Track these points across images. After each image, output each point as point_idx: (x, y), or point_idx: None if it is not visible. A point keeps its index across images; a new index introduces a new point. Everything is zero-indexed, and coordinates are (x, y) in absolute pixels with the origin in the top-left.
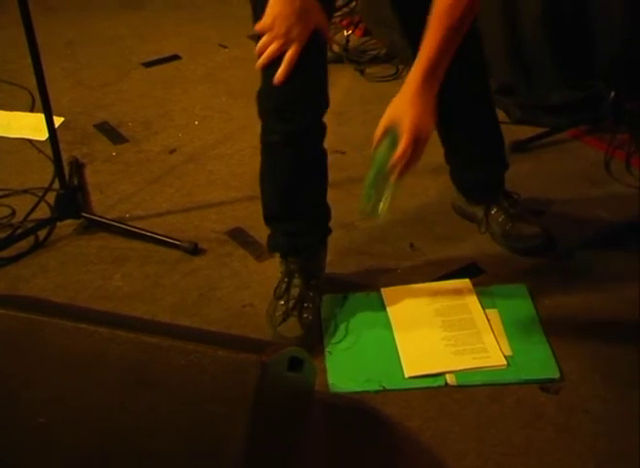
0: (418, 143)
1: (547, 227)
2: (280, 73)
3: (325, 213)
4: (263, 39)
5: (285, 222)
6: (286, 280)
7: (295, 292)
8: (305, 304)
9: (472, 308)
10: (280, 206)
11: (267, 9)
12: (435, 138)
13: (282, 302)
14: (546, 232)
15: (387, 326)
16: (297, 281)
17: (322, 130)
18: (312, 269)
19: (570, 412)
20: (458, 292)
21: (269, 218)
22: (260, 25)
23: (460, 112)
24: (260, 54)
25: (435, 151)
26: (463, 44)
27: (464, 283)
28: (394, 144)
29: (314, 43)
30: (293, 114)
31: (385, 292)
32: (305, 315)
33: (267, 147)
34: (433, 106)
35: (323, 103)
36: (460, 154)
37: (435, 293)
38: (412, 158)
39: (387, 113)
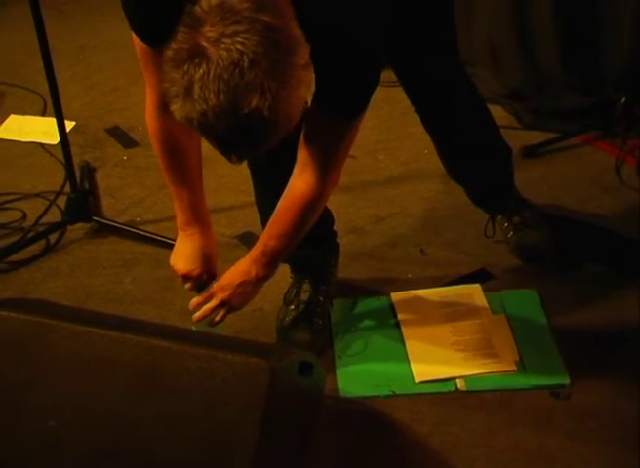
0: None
1: (553, 236)
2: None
3: (327, 221)
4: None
5: None
6: (296, 285)
7: (305, 296)
8: (316, 309)
9: (482, 313)
10: None
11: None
12: None
13: (292, 307)
14: (549, 241)
15: (397, 330)
16: (307, 286)
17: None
18: (322, 275)
19: (580, 418)
20: (468, 298)
21: None
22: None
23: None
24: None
25: None
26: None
27: (475, 288)
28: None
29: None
30: (282, 171)
31: (395, 297)
32: (315, 320)
33: (256, 171)
34: (260, 286)
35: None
36: (461, 181)
37: (445, 298)
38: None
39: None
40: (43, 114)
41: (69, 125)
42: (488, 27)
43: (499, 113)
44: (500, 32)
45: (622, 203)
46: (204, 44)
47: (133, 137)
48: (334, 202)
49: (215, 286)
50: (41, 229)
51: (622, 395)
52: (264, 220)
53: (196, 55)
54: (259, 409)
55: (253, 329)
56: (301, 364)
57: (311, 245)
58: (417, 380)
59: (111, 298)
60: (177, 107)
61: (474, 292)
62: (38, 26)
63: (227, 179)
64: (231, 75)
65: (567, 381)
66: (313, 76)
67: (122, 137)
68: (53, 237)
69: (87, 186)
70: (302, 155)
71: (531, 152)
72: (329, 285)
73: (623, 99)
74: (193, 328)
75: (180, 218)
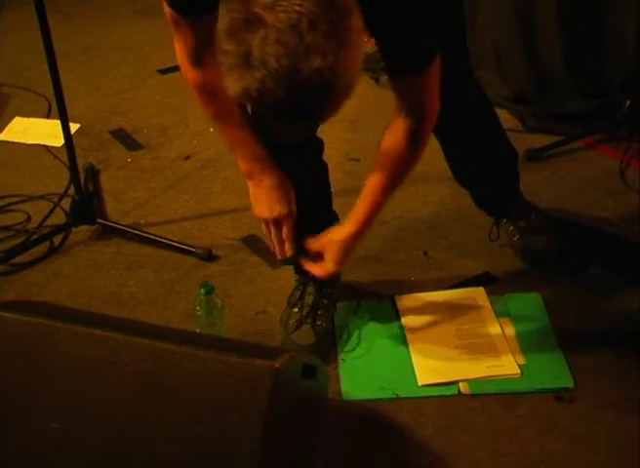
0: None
1: (558, 241)
2: (287, 249)
3: (332, 223)
4: (263, 228)
5: None
6: (300, 288)
7: (309, 299)
8: (319, 312)
9: (486, 316)
10: None
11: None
12: None
13: (296, 310)
14: (554, 246)
15: (401, 334)
16: (311, 289)
17: (320, 144)
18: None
19: (584, 422)
20: (472, 301)
21: None
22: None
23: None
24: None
25: None
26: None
27: (478, 291)
28: None
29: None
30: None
31: (399, 299)
32: (319, 323)
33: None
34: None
35: (318, 149)
36: (468, 185)
37: (449, 302)
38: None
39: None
40: (48, 116)
41: (74, 127)
42: (492, 31)
43: (503, 116)
44: (505, 36)
45: (626, 206)
46: (259, 11)
47: (137, 140)
48: (337, 204)
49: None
50: (45, 231)
51: (627, 399)
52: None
53: (252, 22)
54: (262, 412)
55: (256, 331)
56: (305, 366)
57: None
58: (420, 383)
59: (115, 301)
60: (232, 80)
61: (478, 296)
62: (43, 29)
63: (232, 182)
64: (290, 38)
65: (571, 385)
66: (365, 41)
67: (126, 140)
68: (57, 239)
69: (91, 189)
70: (398, 103)
71: (535, 155)
72: (333, 288)
73: (627, 103)
74: (197, 330)
75: (243, 167)
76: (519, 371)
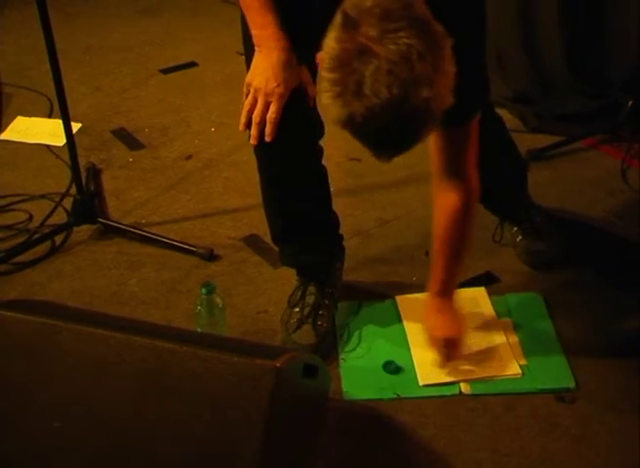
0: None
1: (561, 244)
2: (268, 134)
3: (332, 224)
4: (248, 98)
5: (292, 244)
6: (301, 287)
7: (310, 299)
8: (320, 312)
9: (487, 317)
10: (284, 230)
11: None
12: None
13: (297, 310)
14: (557, 249)
15: (402, 334)
16: (312, 289)
17: (319, 152)
18: (328, 278)
19: (585, 423)
20: (472, 301)
21: (276, 240)
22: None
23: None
24: (248, 114)
25: None
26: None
27: (479, 291)
28: None
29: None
30: (289, 157)
31: (400, 300)
32: (320, 323)
33: (265, 178)
34: (455, 311)
35: (319, 131)
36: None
37: None
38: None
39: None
40: (49, 116)
41: (75, 127)
42: (493, 30)
43: (504, 117)
44: (506, 35)
45: (628, 206)
46: (367, 42)
47: (138, 140)
48: (338, 205)
49: (428, 337)
50: (47, 231)
51: (628, 399)
52: (271, 226)
53: (363, 53)
54: (263, 412)
55: (257, 331)
56: (306, 366)
57: (318, 250)
58: (421, 383)
59: (117, 300)
60: (338, 106)
61: (479, 296)
62: (45, 28)
63: (233, 182)
64: (402, 69)
65: (572, 385)
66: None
67: (128, 139)
68: (58, 238)
69: (93, 188)
70: (437, 170)
71: (537, 156)
72: (334, 288)
73: (630, 103)
74: (198, 329)
75: (257, 33)
76: (520, 372)
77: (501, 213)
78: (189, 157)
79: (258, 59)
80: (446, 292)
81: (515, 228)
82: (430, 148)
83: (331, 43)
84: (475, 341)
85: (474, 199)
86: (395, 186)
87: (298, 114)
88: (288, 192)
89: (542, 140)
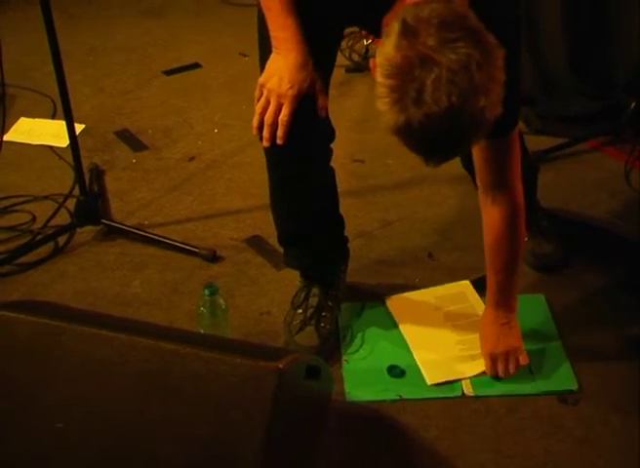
0: (496, 364)
1: (564, 246)
2: (280, 137)
3: (338, 227)
4: (261, 100)
5: (298, 246)
6: (305, 289)
7: (313, 301)
8: (323, 314)
9: (478, 309)
10: (291, 231)
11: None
12: None
13: (300, 311)
14: (560, 252)
15: (404, 335)
16: (315, 290)
17: (328, 154)
18: (332, 280)
19: (588, 425)
20: (461, 296)
21: (282, 241)
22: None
23: None
24: (260, 116)
25: (454, 161)
26: None
27: (465, 285)
28: None
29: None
30: (299, 158)
31: (390, 302)
32: (323, 324)
33: (274, 181)
34: (513, 326)
35: (329, 136)
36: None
37: (439, 298)
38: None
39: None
40: (53, 117)
41: (79, 128)
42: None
43: None
44: None
45: (631, 208)
46: (428, 51)
47: (142, 141)
48: (342, 206)
49: (483, 353)
50: (50, 232)
51: (631, 401)
52: (278, 227)
53: (425, 61)
54: (266, 413)
55: (260, 332)
56: (309, 367)
57: (324, 252)
58: (429, 383)
59: (120, 301)
60: (395, 112)
61: (466, 290)
62: (49, 29)
63: (236, 183)
64: (462, 78)
65: (575, 387)
66: None
67: (131, 141)
68: (62, 239)
69: (96, 189)
70: (483, 183)
71: (540, 157)
72: (338, 290)
73: (633, 105)
74: (201, 330)
75: (276, 35)
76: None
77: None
78: (192, 158)
79: (273, 61)
80: (503, 304)
81: None
82: (475, 162)
83: (389, 50)
84: (474, 336)
85: (521, 211)
86: (398, 188)
87: (310, 118)
88: (297, 193)
89: (546, 142)
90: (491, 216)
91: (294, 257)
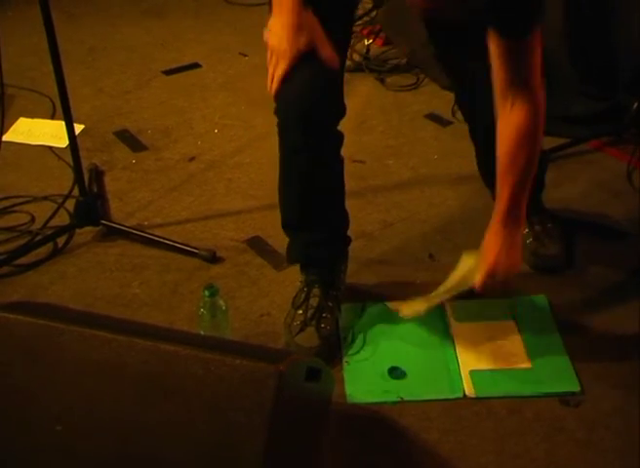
0: (493, 276)
1: (570, 247)
2: (270, 88)
3: (343, 222)
4: (269, 59)
5: (303, 231)
6: (305, 289)
7: (314, 301)
8: (324, 314)
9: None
10: (297, 214)
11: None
12: (451, 149)
13: (300, 312)
14: (566, 254)
15: (406, 336)
16: (316, 291)
17: (339, 137)
18: (332, 280)
19: (590, 427)
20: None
21: (287, 227)
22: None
23: None
24: (270, 75)
25: (455, 161)
26: None
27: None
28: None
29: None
30: (311, 122)
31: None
32: (323, 325)
33: (285, 155)
34: (517, 242)
35: (340, 110)
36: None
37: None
38: (488, 288)
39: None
40: (52, 117)
41: (78, 128)
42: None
43: None
44: None
45: (634, 209)
46: None
47: (141, 141)
48: None
49: (480, 264)
50: (49, 232)
51: (634, 403)
52: (284, 211)
53: None
54: (266, 415)
55: (260, 334)
56: (309, 369)
57: (329, 241)
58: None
59: (119, 302)
60: None
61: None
62: (48, 29)
63: (235, 184)
64: None
65: (577, 389)
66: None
67: (131, 141)
68: (61, 240)
69: (95, 190)
70: (503, 85)
71: (541, 158)
72: (338, 291)
73: (635, 105)
74: (201, 332)
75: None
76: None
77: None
78: (192, 159)
79: (272, 22)
80: (511, 217)
81: (527, 230)
82: (494, 63)
83: None
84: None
85: (543, 112)
86: (399, 188)
87: (320, 84)
88: (307, 166)
89: (547, 142)
90: (511, 121)
91: (298, 246)
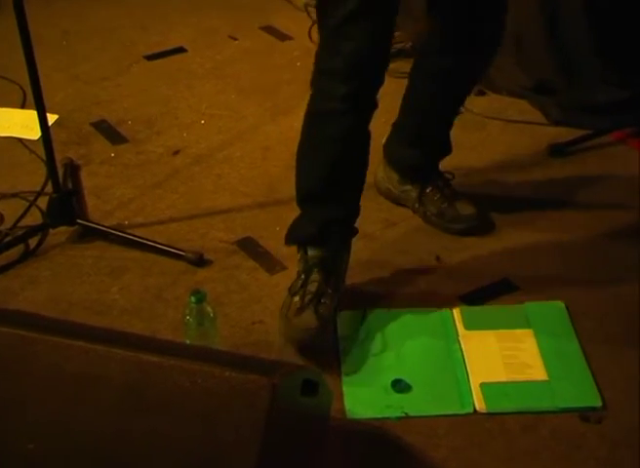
0: None
1: (481, 207)
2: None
3: (358, 207)
4: None
5: (321, 205)
6: (303, 276)
7: (312, 287)
8: (322, 300)
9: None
10: (322, 186)
11: None
12: (459, 141)
13: (297, 299)
14: (482, 212)
15: (410, 346)
16: (315, 276)
17: (374, 105)
18: (333, 266)
19: (613, 445)
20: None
21: (304, 200)
22: None
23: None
24: None
25: (463, 154)
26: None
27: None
28: None
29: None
30: (353, 76)
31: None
32: (322, 310)
33: (317, 117)
34: None
35: (383, 78)
36: (411, 130)
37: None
38: None
39: None
40: (23, 106)
41: (51, 118)
42: (512, 12)
43: (523, 108)
44: (527, 17)
45: None
46: None
47: (121, 133)
48: None
49: None
50: (20, 233)
51: None
52: (303, 182)
53: None
54: (258, 432)
55: (251, 343)
56: (305, 382)
57: (341, 223)
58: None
59: (97, 309)
60: None
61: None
62: (18, 11)
63: (225, 180)
64: None
65: (598, 404)
66: None
67: (109, 133)
68: (33, 241)
69: (70, 186)
70: None
71: (559, 151)
72: (339, 278)
73: None
74: (187, 341)
75: None
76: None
77: (423, 174)
78: (177, 152)
79: None
80: None
81: (438, 195)
82: None
83: None
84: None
85: None
86: None
87: (378, 41)
88: (347, 130)
89: (566, 134)
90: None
91: (305, 222)
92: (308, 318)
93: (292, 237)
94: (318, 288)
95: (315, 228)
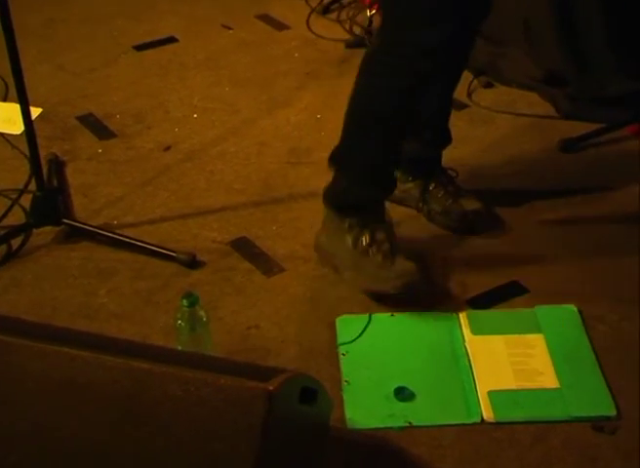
0: None
1: (487, 203)
2: None
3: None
4: None
5: (383, 170)
6: (362, 231)
7: (381, 236)
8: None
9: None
10: (388, 150)
11: None
12: (467, 135)
13: (374, 250)
14: (488, 208)
15: (414, 353)
16: (376, 226)
17: (468, 42)
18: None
19: (628, 457)
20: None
21: (365, 165)
22: None
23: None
24: None
25: (472, 148)
26: None
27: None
28: None
29: None
30: (438, 21)
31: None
32: (403, 254)
33: (388, 65)
34: None
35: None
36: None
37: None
38: None
39: None
40: (4, 99)
41: (35, 112)
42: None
43: (533, 100)
44: (536, 6)
45: None
46: None
47: (109, 127)
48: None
49: None
50: (1, 233)
51: None
52: (362, 147)
53: None
54: (254, 442)
55: (247, 349)
56: (304, 390)
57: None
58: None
59: (84, 313)
60: None
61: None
62: None
63: (219, 177)
64: None
65: (613, 413)
66: None
67: (96, 127)
68: (15, 242)
69: (55, 183)
70: None
71: (570, 146)
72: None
73: None
74: (179, 347)
75: None
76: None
77: (426, 170)
78: (168, 148)
79: None
80: None
81: (442, 192)
82: None
83: None
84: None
85: None
86: None
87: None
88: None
89: (577, 128)
90: None
91: (355, 191)
92: (403, 262)
93: (338, 201)
94: (387, 237)
95: (368, 201)
